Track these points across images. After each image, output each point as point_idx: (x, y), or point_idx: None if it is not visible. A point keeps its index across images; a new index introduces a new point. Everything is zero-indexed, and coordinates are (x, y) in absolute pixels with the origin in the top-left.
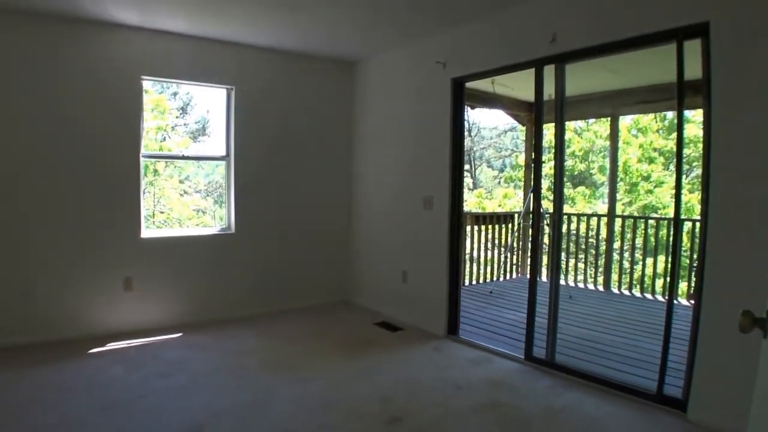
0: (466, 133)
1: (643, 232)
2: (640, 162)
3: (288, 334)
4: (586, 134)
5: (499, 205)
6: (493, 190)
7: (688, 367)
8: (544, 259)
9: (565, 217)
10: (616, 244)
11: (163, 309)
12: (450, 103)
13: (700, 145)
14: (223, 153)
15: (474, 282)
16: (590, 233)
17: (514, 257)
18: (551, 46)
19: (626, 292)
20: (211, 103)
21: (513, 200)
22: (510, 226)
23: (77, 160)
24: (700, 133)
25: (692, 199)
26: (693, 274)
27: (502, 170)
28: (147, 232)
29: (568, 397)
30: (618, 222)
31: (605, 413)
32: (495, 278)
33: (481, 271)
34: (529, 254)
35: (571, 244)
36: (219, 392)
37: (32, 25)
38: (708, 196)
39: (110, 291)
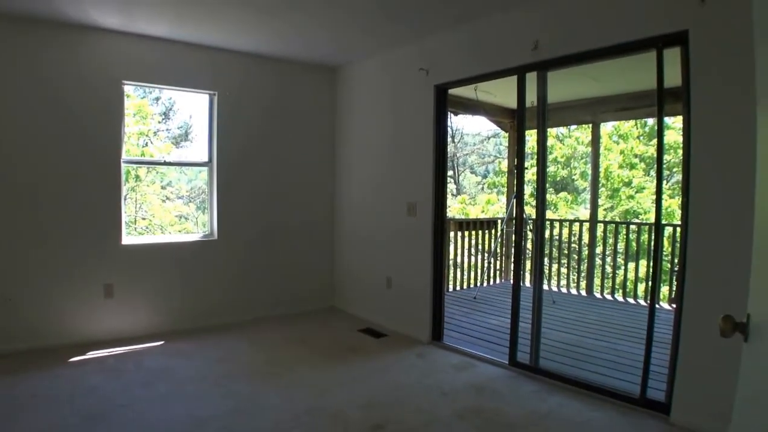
0: (449, 140)
1: (625, 237)
2: (622, 168)
3: (272, 341)
4: (567, 140)
5: (483, 211)
6: (476, 196)
7: (670, 371)
8: (528, 265)
9: (548, 222)
10: (599, 249)
11: (144, 316)
12: (433, 110)
13: (680, 151)
14: (206, 159)
15: (458, 288)
16: (573, 239)
17: (498, 263)
18: (533, 54)
19: (609, 297)
20: (193, 108)
21: (496, 206)
22: (493, 231)
23: (56, 165)
24: (680, 139)
25: (673, 204)
26: (674, 278)
27: (485, 176)
28: (128, 238)
29: (552, 402)
30: (600, 227)
31: (589, 417)
32: (479, 284)
33: (465, 277)
34: (512, 260)
35: (554, 250)
36: (202, 400)
37: (11, 28)
38: (688, 201)
39: (91, 298)
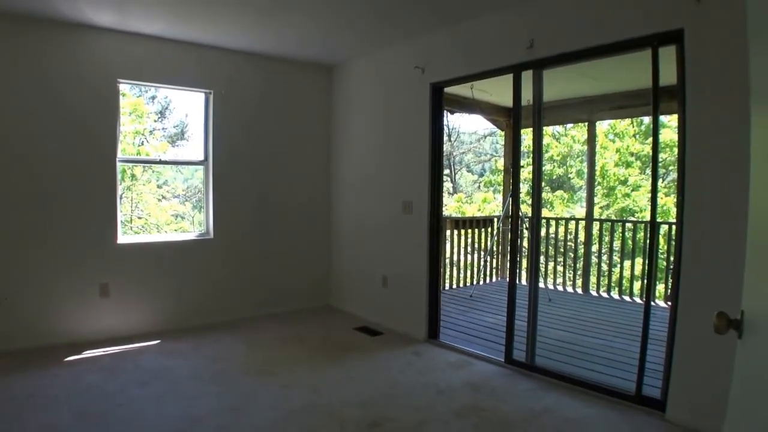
0: (445, 138)
1: (621, 235)
2: (617, 166)
3: (268, 339)
4: (563, 139)
5: (479, 210)
6: (472, 194)
7: (665, 368)
8: (524, 263)
9: (544, 220)
10: (595, 247)
11: (140, 316)
12: (429, 108)
13: (676, 149)
14: (202, 157)
15: (454, 286)
16: (569, 237)
17: (494, 261)
18: (529, 52)
19: (604, 295)
20: (189, 107)
21: (492, 204)
22: (489, 230)
23: (52, 163)
24: (676, 137)
25: (668, 202)
26: (670, 276)
27: (481, 175)
28: (124, 237)
29: (548, 400)
30: (596, 225)
31: (585, 415)
32: (475, 282)
33: (461, 275)
34: (508, 258)
35: (550, 248)
36: (198, 399)
37: (5, 26)
38: (684, 200)
39: (86, 298)
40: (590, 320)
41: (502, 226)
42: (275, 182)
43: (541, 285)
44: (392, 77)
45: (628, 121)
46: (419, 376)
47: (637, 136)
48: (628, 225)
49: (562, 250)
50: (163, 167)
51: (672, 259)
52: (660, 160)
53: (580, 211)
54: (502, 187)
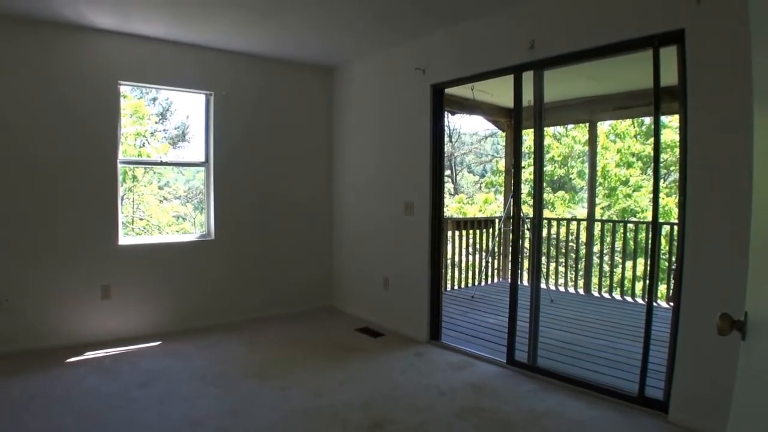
0: (446, 139)
1: (623, 235)
2: (619, 167)
3: (269, 341)
4: (564, 140)
5: (480, 210)
6: (473, 195)
7: (668, 369)
8: (525, 264)
9: (546, 221)
10: (596, 248)
11: (141, 317)
12: (430, 109)
13: (677, 150)
14: (203, 159)
15: (456, 287)
16: (570, 237)
17: (496, 262)
18: (530, 53)
19: (606, 295)
20: (190, 108)
21: (494, 205)
22: (491, 231)
23: (53, 166)
24: (677, 137)
25: (670, 203)
26: (672, 276)
27: (482, 175)
28: (125, 239)
29: (550, 401)
30: (597, 226)
31: (588, 416)
32: (476, 283)
33: (463, 276)
34: (510, 259)
35: (552, 249)
36: (199, 401)
37: (6, 28)
38: (685, 200)
39: (87, 299)
40: (592, 321)
41: (504, 227)
42: (276, 183)
43: (543, 286)
44: (393, 78)
45: (629, 121)
46: (421, 378)
47: (638, 137)
48: (630, 225)
49: (563, 250)
50: (164, 168)
51: (674, 259)
52: (661, 160)
53: (581, 211)
54: (503, 188)
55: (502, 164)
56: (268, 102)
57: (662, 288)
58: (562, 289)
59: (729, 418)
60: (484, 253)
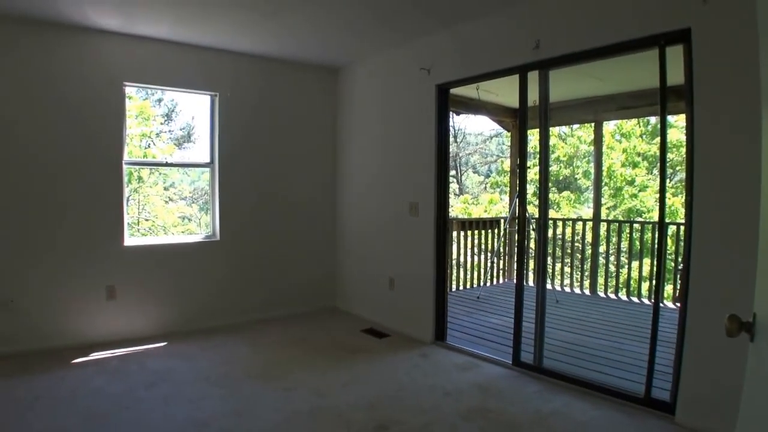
0: (451, 139)
1: (628, 235)
2: (624, 166)
3: (274, 342)
4: (570, 140)
5: (485, 211)
6: (479, 195)
7: (675, 370)
8: (531, 264)
9: (551, 221)
10: (602, 248)
11: (147, 318)
12: (435, 110)
13: (683, 150)
14: (208, 160)
15: (461, 287)
16: (576, 238)
17: (501, 262)
18: (535, 53)
19: (612, 296)
20: (195, 109)
21: (499, 206)
22: (496, 231)
23: (59, 166)
24: (682, 137)
25: (675, 203)
26: (678, 277)
27: (487, 176)
28: (130, 239)
29: (556, 402)
30: (603, 226)
31: (594, 417)
32: (482, 283)
33: (468, 277)
34: (515, 259)
35: (557, 249)
36: (204, 402)
37: (12, 30)
38: (692, 200)
39: (93, 300)
40: (598, 322)
41: (509, 227)
42: (281, 184)
43: (549, 286)
44: (398, 79)
45: (634, 121)
46: (426, 378)
47: (644, 137)
48: (636, 226)
49: (569, 251)
50: (169, 169)
51: (680, 259)
52: (667, 160)
53: (587, 211)
54: (508, 188)
55: (507, 164)
56: (273, 103)
57: (668, 288)
58: (567, 289)
59: (737, 420)
60: (489, 254)
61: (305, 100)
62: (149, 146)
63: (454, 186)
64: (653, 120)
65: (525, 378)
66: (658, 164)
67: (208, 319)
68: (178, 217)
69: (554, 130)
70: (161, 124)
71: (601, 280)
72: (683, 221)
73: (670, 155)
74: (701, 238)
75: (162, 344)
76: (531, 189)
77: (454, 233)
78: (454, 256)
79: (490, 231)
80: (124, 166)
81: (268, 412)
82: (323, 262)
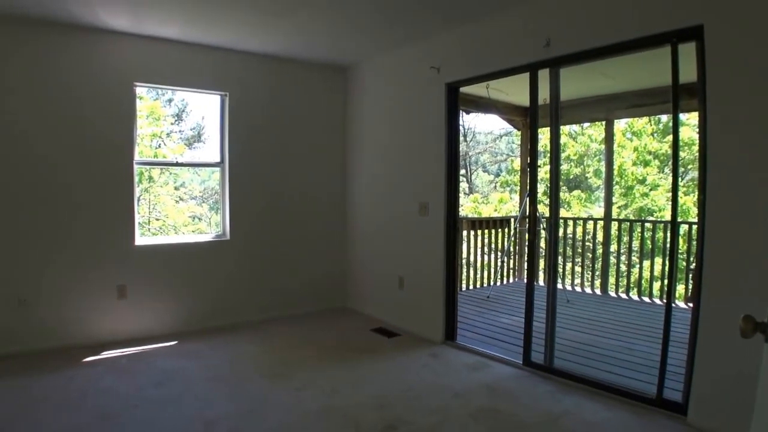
0: (461, 138)
1: (640, 235)
2: (635, 165)
3: (284, 341)
4: (580, 138)
5: (495, 210)
6: (489, 194)
7: (687, 371)
8: (541, 264)
9: (562, 221)
10: (613, 248)
11: (157, 317)
12: (444, 108)
13: (694, 148)
14: (218, 159)
15: (471, 287)
16: (587, 237)
17: (511, 262)
18: (545, 51)
19: (623, 296)
20: (206, 109)
21: (509, 205)
22: (506, 230)
23: (70, 166)
24: (694, 135)
25: (687, 202)
26: (690, 276)
27: (497, 175)
28: (141, 239)
29: (567, 403)
30: (614, 225)
31: (605, 418)
32: (492, 283)
33: (478, 276)
34: (525, 259)
35: (568, 248)
36: (214, 401)
37: (24, 31)
38: (705, 199)
39: (104, 299)
40: (609, 322)
41: (519, 226)
42: (291, 183)
43: (559, 286)
44: (407, 77)
45: (645, 119)
46: (436, 378)
47: (655, 135)
48: (647, 225)
49: (579, 250)
50: (180, 169)
51: (691, 259)
52: (679, 158)
53: (598, 210)
54: (518, 188)
55: (517, 163)
56: (282, 102)
57: (680, 288)
58: (578, 289)
59: (750, 422)
60: (499, 253)
61: (314, 100)
62: (160, 146)
63: (463, 185)
64: (664, 118)
65: (535, 378)
66: (671, 163)
67: (218, 318)
68: (189, 217)
69: (565, 129)
70: (171, 124)
71: (612, 280)
72: (695, 220)
73: (681, 153)
74: (714, 237)
75: (172, 343)
76: (541, 188)
77: (464, 232)
78: (464, 255)
79: (500, 230)
80: (135, 166)
81: (277, 412)
82: (333, 262)
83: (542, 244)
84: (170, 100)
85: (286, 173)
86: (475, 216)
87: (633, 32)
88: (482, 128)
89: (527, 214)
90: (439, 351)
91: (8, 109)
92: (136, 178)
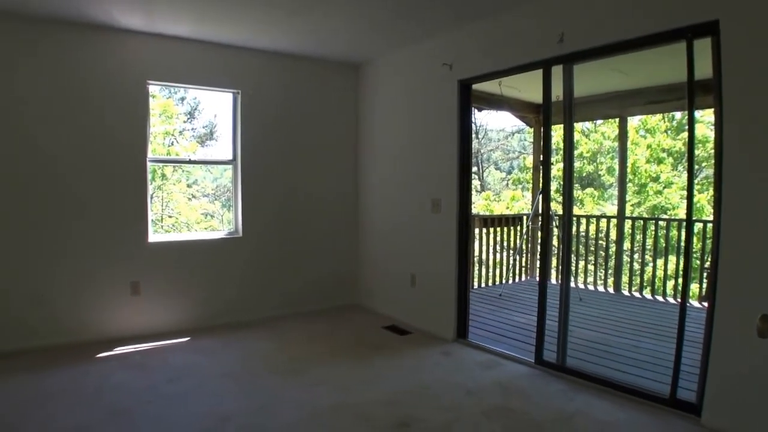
0: (473, 135)
1: (653, 233)
2: (649, 163)
3: (296, 337)
4: (593, 135)
5: (507, 207)
6: (501, 192)
7: (701, 371)
8: (554, 262)
9: (575, 218)
10: (626, 246)
11: (170, 313)
12: (457, 105)
13: (708, 145)
14: (230, 157)
15: (483, 285)
16: (600, 235)
17: (523, 259)
18: (559, 47)
19: (637, 294)
20: (218, 107)
21: (521, 202)
22: (518, 228)
23: (84, 165)
24: (709, 132)
25: (701, 200)
26: (705, 275)
27: (509, 172)
28: (154, 236)
29: (579, 402)
30: (628, 223)
31: (617, 418)
32: (504, 281)
33: (490, 274)
34: (538, 256)
35: (581, 246)
36: (226, 397)
37: (38, 30)
38: (720, 197)
39: (118, 295)
40: (622, 320)
41: (532, 224)
42: (303, 181)
43: (572, 284)
44: (420, 74)
45: (659, 116)
46: (448, 376)
47: (669, 132)
48: (661, 223)
49: (592, 248)
50: (192, 167)
51: (706, 257)
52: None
53: (611, 208)
54: (530, 185)
55: (529, 161)
56: (294, 99)
57: (694, 287)
58: (591, 287)
59: (766, 422)
60: (511, 251)
61: (326, 97)
62: (172, 144)
63: (475, 182)
64: (678, 115)
65: (548, 377)
66: (685, 160)
67: (230, 314)
68: (201, 214)
69: (577, 126)
70: (184, 122)
71: (625, 278)
72: (709, 218)
73: (696, 151)
74: (729, 235)
75: (185, 339)
76: (554, 185)
77: (476, 230)
78: (476, 253)
79: (512, 228)
80: (148, 164)
81: (289, 408)
82: (345, 259)
83: (555, 241)
84: (183, 99)
85: (298, 171)
86: (487, 213)
87: (647, 28)
88: (494, 125)
89: (540, 211)
90: (451, 349)
91: (23, 109)
92: (149, 176)
